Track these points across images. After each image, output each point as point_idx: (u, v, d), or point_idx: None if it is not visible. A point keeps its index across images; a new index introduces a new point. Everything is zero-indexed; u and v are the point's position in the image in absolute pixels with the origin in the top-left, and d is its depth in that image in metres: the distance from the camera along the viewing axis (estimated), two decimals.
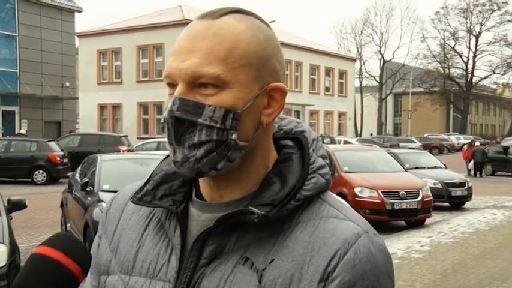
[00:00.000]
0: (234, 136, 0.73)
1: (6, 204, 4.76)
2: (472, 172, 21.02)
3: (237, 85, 0.73)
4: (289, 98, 33.87)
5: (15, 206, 4.89)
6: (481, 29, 52.38)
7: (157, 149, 17.98)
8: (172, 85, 0.75)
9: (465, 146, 21.35)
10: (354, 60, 43.71)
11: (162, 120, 0.75)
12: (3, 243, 4.03)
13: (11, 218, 4.84)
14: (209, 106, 0.72)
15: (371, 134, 47.27)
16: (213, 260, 0.75)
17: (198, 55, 0.72)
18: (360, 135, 46.53)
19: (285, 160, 0.79)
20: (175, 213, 0.80)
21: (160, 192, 0.81)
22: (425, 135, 42.36)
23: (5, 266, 3.86)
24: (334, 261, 0.71)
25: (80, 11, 28.84)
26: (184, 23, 27.67)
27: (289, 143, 0.83)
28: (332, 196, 0.81)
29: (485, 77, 54.58)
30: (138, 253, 0.81)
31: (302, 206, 0.76)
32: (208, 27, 0.74)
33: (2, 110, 25.10)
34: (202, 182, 0.81)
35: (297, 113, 34.47)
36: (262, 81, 0.76)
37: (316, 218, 0.76)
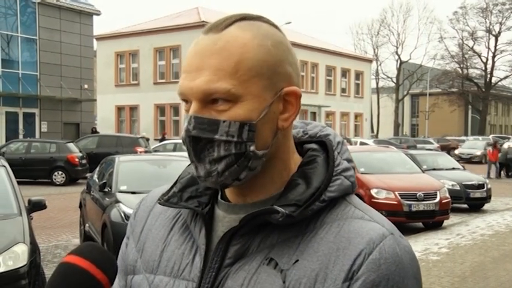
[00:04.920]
0: (252, 148, 0.74)
1: (26, 204, 4.84)
2: (492, 175, 20.60)
3: (249, 97, 0.73)
4: (305, 100, 33.80)
5: (35, 206, 4.97)
6: (500, 28, 51.54)
7: (174, 150, 18.10)
8: (187, 101, 0.76)
9: (489, 148, 20.79)
10: (370, 61, 43.40)
11: (182, 139, 0.77)
12: (24, 242, 4.09)
13: (32, 218, 4.92)
14: (224, 121, 0.73)
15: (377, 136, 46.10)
16: (238, 260, 0.76)
17: (207, 72, 0.73)
18: (376, 137, 46.15)
19: (310, 162, 0.80)
20: (201, 214, 0.81)
21: (187, 194, 0.83)
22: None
23: (26, 265, 3.92)
24: (359, 261, 0.71)
25: (98, 14, 29.20)
26: (201, 25, 27.81)
27: (314, 146, 0.84)
28: (358, 199, 0.81)
29: (505, 77, 53.67)
30: (163, 253, 0.83)
31: (327, 208, 0.77)
32: (214, 42, 0.74)
33: (23, 112, 25.54)
34: None
35: (313, 114, 34.34)
36: (275, 88, 0.76)
37: (341, 219, 0.76)
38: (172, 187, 0.86)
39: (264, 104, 0.75)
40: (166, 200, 0.84)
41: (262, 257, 0.75)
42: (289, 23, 29.46)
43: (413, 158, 12.09)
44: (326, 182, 0.77)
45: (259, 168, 0.76)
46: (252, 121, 0.74)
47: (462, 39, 52.53)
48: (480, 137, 42.53)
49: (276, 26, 0.79)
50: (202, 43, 0.75)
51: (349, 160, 0.82)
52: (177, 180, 0.87)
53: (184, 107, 0.77)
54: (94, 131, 25.18)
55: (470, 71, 53.72)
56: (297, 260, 0.73)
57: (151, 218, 0.89)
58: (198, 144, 0.74)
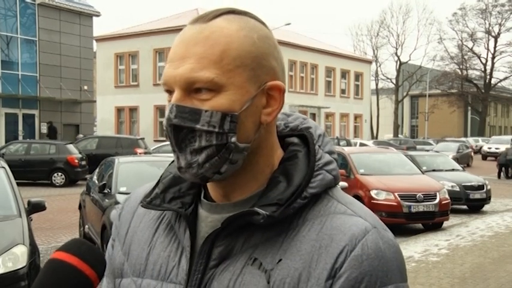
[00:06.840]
0: (233, 139, 0.73)
1: (26, 205, 4.84)
2: None
3: (232, 87, 0.72)
4: (305, 101, 33.87)
5: (35, 207, 4.96)
6: (500, 29, 51.61)
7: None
8: (170, 92, 0.75)
9: None
10: (370, 62, 43.43)
11: (164, 128, 0.76)
12: (23, 244, 4.10)
13: (31, 220, 4.92)
14: (206, 111, 0.72)
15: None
16: (223, 262, 0.76)
17: (191, 60, 0.72)
18: (376, 138, 46.19)
19: (291, 158, 0.79)
20: (184, 216, 0.80)
21: (170, 195, 0.82)
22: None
23: (25, 266, 3.92)
24: (341, 258, 0.71)
25: (98, 16, 29.20)
26: None
27: (295, 140, 0.82)
28: (340, 192, 0.80)
29: (505, 79, 53.76)
30: (149, 255, 0.82)
31: (309, 204, 0.76)
32: (200, 31, 0.73)
33: (23, 114, 25.54)
34: (209, 184, 0.81)
35: (313, 115, 34.33)
36: (259, 81, 0.75)
37: (324, 215, 0.75)
38: (154, 188, 0.84)
39: (247, 96, 0.73)
40: (149, 202, 0.82)
41: (247, 257, 0.74)
42: (289, 24, 29.46)
43: (412, 159, 12.11)
44: (307, 178, 0.76)
45: (241, 162, 0.75)
46: (234, 112, 0.72)
47: (461, 41, 52.62)
48: (480, 138, 42.59)
49: (263, 23, 0.78)
50: (188, 32, 0.74)
51: (331, 152, 0.81)
52: (159, 180, 0.85)
53: (167, 97, 0.76)
54: (50, 127, 24.59)
55: (470, 72, 53.77)
56: (280, 260, 0.73)
57: (135, 219, 0.88)
58: (179, 133, 0.73)
